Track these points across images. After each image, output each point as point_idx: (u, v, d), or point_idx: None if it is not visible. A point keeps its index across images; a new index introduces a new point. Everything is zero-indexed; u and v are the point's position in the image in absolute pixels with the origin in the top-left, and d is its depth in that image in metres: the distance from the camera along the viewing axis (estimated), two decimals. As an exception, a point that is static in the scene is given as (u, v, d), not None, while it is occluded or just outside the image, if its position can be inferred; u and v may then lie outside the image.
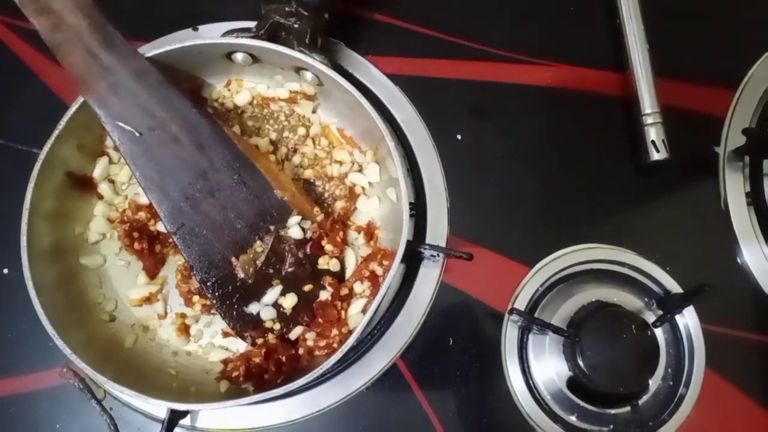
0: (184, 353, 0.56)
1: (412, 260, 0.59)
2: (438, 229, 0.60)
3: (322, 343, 0.53)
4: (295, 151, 0.60)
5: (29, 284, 0.49)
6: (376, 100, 0.62)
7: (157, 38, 0.63)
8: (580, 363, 0.53)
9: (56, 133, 0.51)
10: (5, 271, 0.59)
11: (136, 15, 0.66)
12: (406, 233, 0.49)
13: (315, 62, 0.52)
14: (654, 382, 0.57)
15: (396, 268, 0.49)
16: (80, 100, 0.50)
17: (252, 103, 0.60)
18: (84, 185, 0.56)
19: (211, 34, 0.63)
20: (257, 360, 0.53)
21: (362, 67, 0.64)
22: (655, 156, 0.61)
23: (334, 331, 0.53)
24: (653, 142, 0.61)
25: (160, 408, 0.55)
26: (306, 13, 0.54)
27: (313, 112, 0.60)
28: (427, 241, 0.59)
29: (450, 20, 0.67)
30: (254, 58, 0.55)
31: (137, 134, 0.48)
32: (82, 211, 0.57)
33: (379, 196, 0.58)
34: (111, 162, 0.58)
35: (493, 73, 0.65)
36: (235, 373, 0.53)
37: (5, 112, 0.63)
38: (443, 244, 0.60)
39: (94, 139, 0.56)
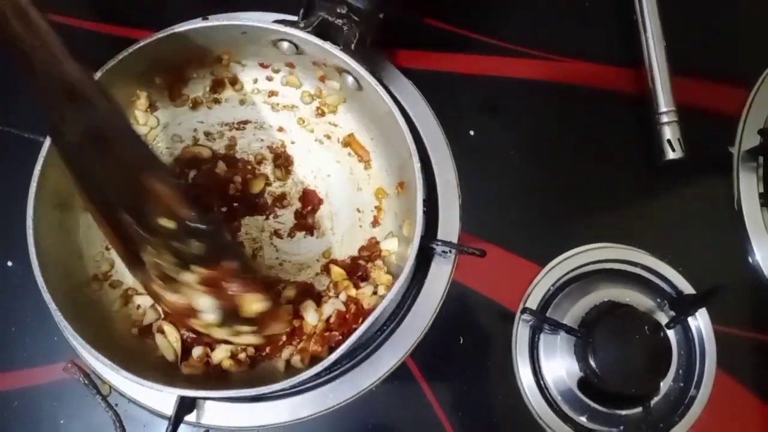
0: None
1: (424, 257, 0.58)
2: (449, 226, 0.59)
3: None
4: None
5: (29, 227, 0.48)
6: (390, 95, 0.61)
7: (166, 28, 0.61)
8: (592, 363, 0.53)
9: None
10: (9, 263, 0.58)
11: (143, 4, 0.65)
12: (419, 229, 0.49)
13: (359, 67, 0.51)
14: (665, 384, 0.57)
15: (411, 265, 0.48)
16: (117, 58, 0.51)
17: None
18: None
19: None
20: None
21: (374, 60, 0.63)
22: (671, 155, 0.60)
23: None
24: (669, 141, 0.60)
25: (166, 404, 0.54)
26: (357, 19, 0.53)
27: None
28: (439, 237, 0.58)
29: (465, 15, 0.66)
30: (299, 50, 0.55)
31: None
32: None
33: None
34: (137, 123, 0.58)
35: (507, 68, 0.64)
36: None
37: (10, 100, 0.62)
38: (455, 241, 0.59)
39: (123, 99, 0.56)
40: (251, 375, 0.54)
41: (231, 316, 0.47)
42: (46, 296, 0.47)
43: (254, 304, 0.47)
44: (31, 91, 0.43)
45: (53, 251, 0.51)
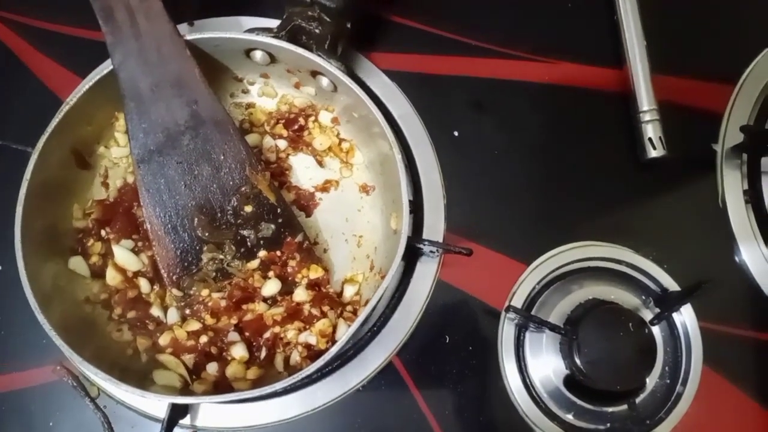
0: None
1: (410, 257, 0.59)
2: (435, 226, 0.60)
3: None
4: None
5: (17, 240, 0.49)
6: (373, 96, 0.62)
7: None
8: (577, 361, 0.53)
9: (66, 108, 0.51)
10: (-1, 267, 0.59)
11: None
12: (406, 230, 0.49)
13: (332, 68, 0.52)
14: (651, 380, 0.57)
15: (397, 264, 0.49)
16: (95, 77, 0.51)
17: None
18: (86, 163, 0.57)
19: (207, 29, 0.63)
20: None
21: (359, 62, 0.64)
22: (653, 153, 0.61)
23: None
24: (650, 139, 0.61)
25: (154, 406, 0.55)
26: (328, 19, 0.54)
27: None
28: (424, 237, 0.59)
29: (448, 16, 0.66)
30: (272, 58, 0.56)
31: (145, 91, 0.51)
32: (83, 187, 0.57)
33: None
34: (118, 145, 0.58)
35: (491, 69, 0.65)
36: None
37: (-2, 112, 0.63)
38: (440, 241, 0.59)
39: (105, 119, 0.57)
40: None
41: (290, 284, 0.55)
42: (39, 315, 0.48)
43: (314, 272, 0.55)
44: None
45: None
